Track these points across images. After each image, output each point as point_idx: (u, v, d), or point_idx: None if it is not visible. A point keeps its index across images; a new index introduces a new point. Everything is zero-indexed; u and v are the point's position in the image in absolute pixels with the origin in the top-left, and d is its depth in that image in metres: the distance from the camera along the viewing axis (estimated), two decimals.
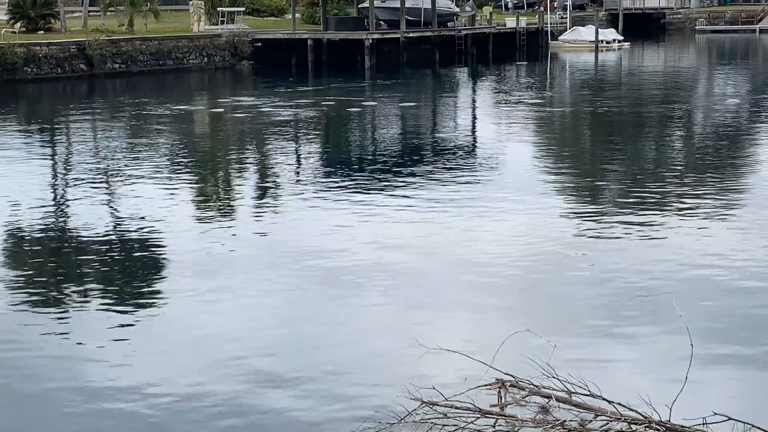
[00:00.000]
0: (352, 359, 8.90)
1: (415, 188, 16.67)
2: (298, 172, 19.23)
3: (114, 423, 7.53)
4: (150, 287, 11.29)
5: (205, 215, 15.19)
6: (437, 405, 6.65)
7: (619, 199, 15.91)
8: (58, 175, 19.52)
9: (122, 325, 9.79)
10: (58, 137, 25.72)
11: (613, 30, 58.73)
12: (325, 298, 10.61)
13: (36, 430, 7.48)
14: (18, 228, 14.19)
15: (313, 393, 8.10)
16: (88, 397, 7.98)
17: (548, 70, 48.08)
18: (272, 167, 20.05)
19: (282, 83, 37.88)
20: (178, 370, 8.53)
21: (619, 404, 6.44)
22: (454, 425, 6.51)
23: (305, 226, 13.92)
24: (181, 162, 20.60)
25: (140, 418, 7.61)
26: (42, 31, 44.59)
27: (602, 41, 55.18)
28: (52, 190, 17.70)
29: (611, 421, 6.37)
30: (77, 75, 40.30)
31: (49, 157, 21.90)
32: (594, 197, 16.33)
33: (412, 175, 18.08)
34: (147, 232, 13.75)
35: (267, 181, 18.48)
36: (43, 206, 15.74)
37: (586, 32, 56.33)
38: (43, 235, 13.88)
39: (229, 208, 15.90)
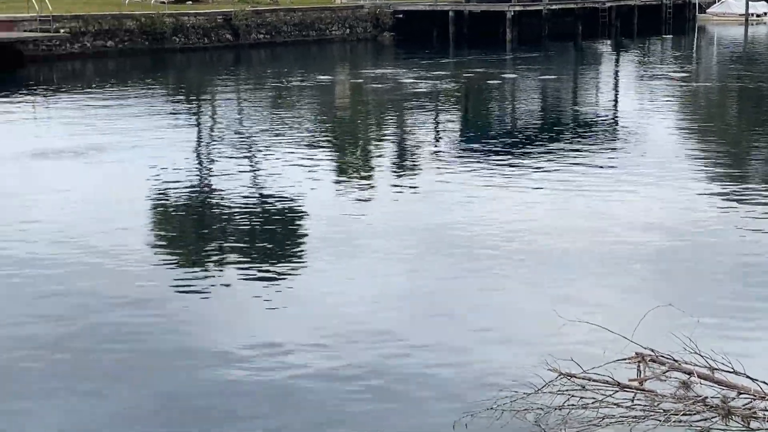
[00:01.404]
0: (489, 329, 8.93)
1: (552, 163, 16.52)
2: (436, 145, 19.30)
3: (249, 389, 7.71)
4: (287, 256, 11.53)
5: (343, 185, 15.42)
6: (575, 377, 6.63)
7: (766, 177, 15.43)
8: (202, 143, 20.10)
9: (260, 293, 10.02)
10: (204, 106, 26.44)
11: (764, 2, 56.64)
12: (462, 270, 10.66)
13: (173, 389, 7.73)
14: (163, 195, 14.68)
15: (451, 362, 8.17)
16: (225, 361, 8.20)
17: (695, 43, 46.72)
18: (410, 139, 20.17)
19: (422, 55, 37.96)
20: (315, 338, 8.69)
21: (764, 382, 6.30)
22: (592, 398, 6.49)
23: (442, 199, 13.98)
24: (321, 132, 20.93)
25: (277, 386, 7.78)
26: (190, 2, 45.82)
27: (752, 14, 53.29)
28: (196, 159, 18.23)
29: (755, 400, 6.24)
30: (223, 45, 41.27)
31: (195, 126, 22.55)
32: (739, 174, 15.88)
33: (550, 149, 17.93)
34: (286, 201, 14.04)
35: (405, 153, 18.60)
36: (187, 174, 16.25)
37: (736, 5, 54.51)
38: (186, 202, 14.32)
39: (367, 179, 16.09)
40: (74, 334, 8.82)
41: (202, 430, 7.04)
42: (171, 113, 23.99)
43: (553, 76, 31.44)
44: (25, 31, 35.78)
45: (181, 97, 27.80)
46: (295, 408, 7.33)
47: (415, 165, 17.12)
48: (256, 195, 14.54)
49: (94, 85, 29.46)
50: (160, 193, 14.68)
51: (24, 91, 28.03)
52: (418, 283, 10.31)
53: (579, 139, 19.19)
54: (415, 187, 15.03)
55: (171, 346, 8.56)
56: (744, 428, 6.09)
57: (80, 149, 18.22)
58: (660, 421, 6.13)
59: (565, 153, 17.37)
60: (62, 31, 36.48)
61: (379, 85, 29.15)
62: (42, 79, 31.86)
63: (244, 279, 10.41)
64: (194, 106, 26.25)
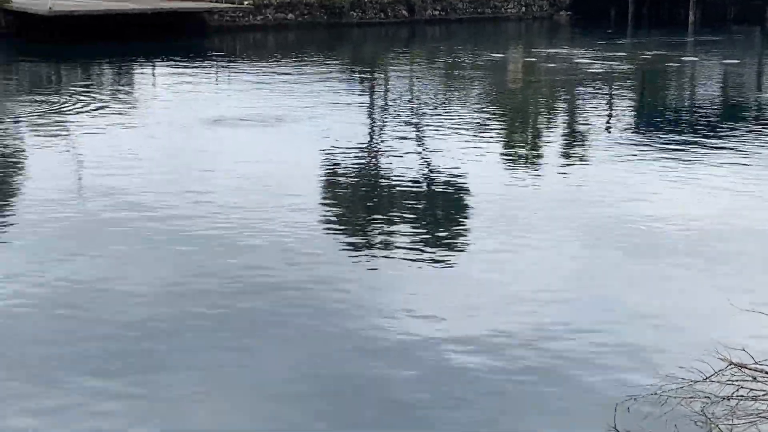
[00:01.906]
0: (657, 316, 8.79)
1: (733, 152, 16.01)
2: (609, 129, 18.96)
3: (405, 362, 7.79)
4: (452, 235, 11.60)
5: (510, 167, 15.36)
6: (746, 368, 6.49)
7: None
8: (374, 118, 20.38)
9: (424, 270, 10.08)
10: (378, 80, 26.77)
11: None
12: (629, 257, 10.50)
13: (332, 369, 7.85)
14: (334, 167, 15.00)
15: (616, 345, 8.09)
16: (382, 331, 8.33)
17: None
18: (582, 123, 19.89)
19: (599, 35, 37.24)
20: (476, 317, 8.72)
21: None
22: (763, 390, 6.34)
23: (613, 186, 13.74)
24: (491, 111, 20.88)
25: (435, 362, 7.85)
26: None
27: None
28: (368, 133, 18.50)
29: None
30: (399, 20, 41.60)
31: (368, 100, 22.87)
32: None
33: (731, 138, 17.36)
34: (453, 180, 14.10)
35: (576, 137, 18.36)
36: (358, 147, 16.54)
37: None
38: (355, 175, 14.57)
39: (536, 162, 15.99)
40: (237, 299, 9.09)
41: (355, 398, 7.19)
42: (346, 86, 24.41)
43: (735, 61, 30.33)
44: (211, 2, 37.07)
45: (357, 71, 28.22)
46: (452, 384, 7.40)
47: (585, 150, 16.89)
48: (424, 172, 14.67)
49: (274, 57, 30.25)
50: (331, 165, 15.00)
51: (207, 60, 29.04)
52: (583, 268, 10.22)
53: (763, 129, 18.50)
54: (584, 173, 14.83)
55: (330, 315, 8.74)
56: None
57: (259, 118, 18.78)
58: None
59: (747, 143, 16.78)
60: (246, 3, 37.58)
61: (553, 65, 28.81)
62: (225, 49, 32.91)
63: (407, 256, 10.51)
64: (368, 80, 26.61)
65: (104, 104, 20.44)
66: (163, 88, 23.48)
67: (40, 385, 7.17)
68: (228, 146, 16.25)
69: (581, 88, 24.19)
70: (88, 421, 6.64)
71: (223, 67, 27.77)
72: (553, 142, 17.70)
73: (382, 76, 27.59)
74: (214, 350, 7.79)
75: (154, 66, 27.70)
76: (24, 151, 16.07)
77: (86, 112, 19.37)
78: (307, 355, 7.80)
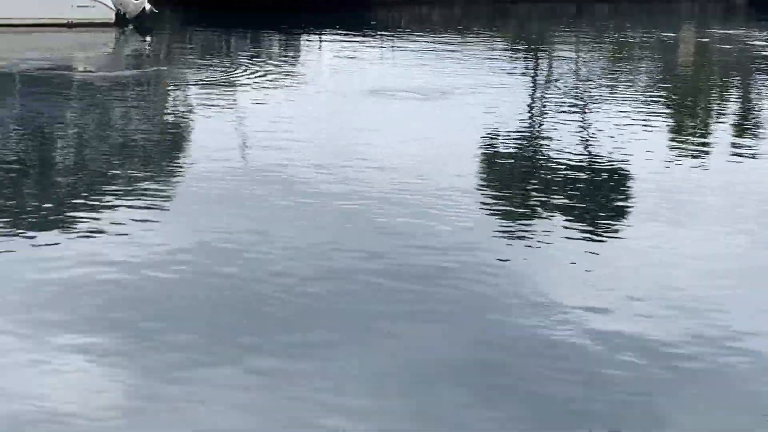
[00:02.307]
0: None
1: None
2: None
3: (556, 347, 7.62)
4: (612, 216, 11.29)
5: (677, 149, 14.87)
6: None
7: None
8: (537, 94, 20.08)
9: (583, 261, 9.79)
10: (542, 57, 26.38)
11: None
12: None
13: (482, 356, 7.72)
14: (494, 142, 14.85)
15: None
16: (535, 316, 8.17)
17: None
18: (756, 107, 19.07)
19: None
20: (632, 304, 8.45)
21: None
22: None
23: None
24: (659, 91, 20.27)
25: (595, 362, 7.63)
26: None
27: None
28: (530, 109, 18.26)
29: None
30: None
31: (532, 76, 22.57)
32: None
33: None
34: (616, 160, 13.74)
35: (748, 122, 17.62)
36: (519, 123, 16.33)
37: None
38: (515, 152, 14.38)
39: (704, 144, 15.42)
40: (387, 279, 9.04)
41: (503, 390, 7.06)
42: (510, 62, 24.17)
43: None
44: None
45: (521, 47, 27.89)
46: (610, 382, 7.17)
47: (758, 138, 16.18)
48: (586, 154, 14.35)
49: (439, 31, 30.20)
50: (491, 143, 14.87)
51: (371, 32, 29.24)
52: (753, 258, 9.78)
53: None
54: (755, 162, 14.20)
55: (483, 300, 8.60)
56: None
57: (421, 91, 18.78)
58: None
59: None
60: None
61: (726, 46, 27.74)
62: (389, 22, 33.06)
63: (565, 243, 10.24)
64: (533, 56, 26.26)
65: (270, 72, 20.85)
66: (328, 58, 23.78)
67: (197, 348, 7.32)
68: (389, 119, 16.31)
69: (757, 72, 23.20)
70: (236, 390, 6.75)
71: (387, 39, 27.91)
72: (723, 128, 17.03)
73: (548, 53, 27.15)
74: (364, 331, 7.78)
75: (320, 37, 28.08)
76: (193, 115, 16.55)
77: (253, 79, 19.81)
78: (457, 342, 7.70)
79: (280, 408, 6.37)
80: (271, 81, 19.75)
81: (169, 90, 19.20)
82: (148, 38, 28.07)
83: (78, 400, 6.30)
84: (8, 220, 10.13)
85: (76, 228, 9.86)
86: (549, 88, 20.65)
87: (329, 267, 9.04)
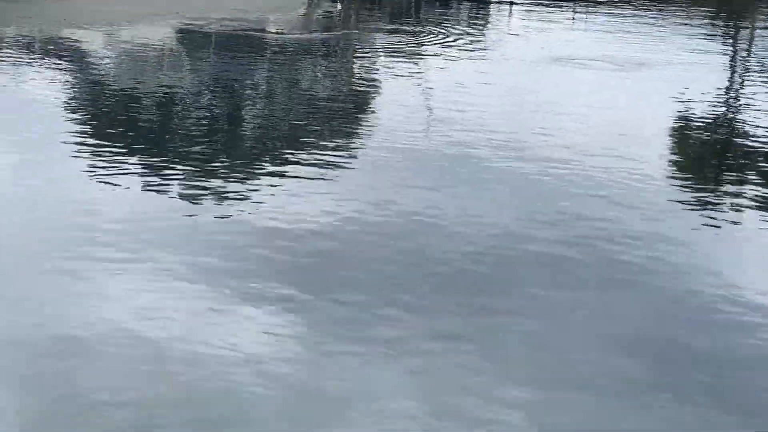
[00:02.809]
0: None
1: None
2: None
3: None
4: None
5: None
6: None
7: None
8: (736, 71, 19.17)
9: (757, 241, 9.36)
10: (743, 31, 25.17)
11: None
12: None
13: (664, 334, 7.45)
14: (684, 119, 14.27)
15: None
16: (730, 317, 7.79)
17: None
18: None
19: None
20: None
21: None
22: None
23: None
24: None
25: None
26: None
27: None
28: (728, 88, 17.45)
29: None
30: None
31: (731, 52, 21.56)
32: None
33: None
34: None
35: None
36: (711, 102, 15.61)
37: None
38: (706, 132, 13.78)
39: None
40: (567, 247, 8.83)
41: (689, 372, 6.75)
42: (710, 36, 23.15)
43: None
44: None
45: (723, 20, 26.67)
46: None
47: None
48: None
49: (635, 0, 29.27)
50: (684, 117, 14.28)
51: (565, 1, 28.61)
52: None
53: None
54: None
55: (668, 275, 8.29)
56: None
57: (613, 61, 18.24)
58: None
59: None
60: None
61: None
62: None
63: (755, 222, 9.77)
64: (734, 30, 25.07)
65: (458, 39, 20.70)
66: (517, 24, 23.42)
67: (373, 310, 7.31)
68: (577, 87, 15.92)
69: None
70: (406, 355, 6.69)
71: (581, 6, 27.24)
72: None
73: (750, 28, 25.86)
74: (550, 298, 7.59)
75: (511, 3, 27.67)
76: (379, 80, 16.61)
77: (440, 45, 19.71)
78: (646, 316, 7.42)
79: (451, 377, 6.25)
80: (458, 47, 19.60)
81: (357, 54, 19.34)
82: (339, 2, 28.38)
83: (251, 349, 6.38)
84: (196, 171, 10.40)
85: (258, 183, 10.03)
86: (750, 65, 19.64)
87: (508, 236, 8.85)
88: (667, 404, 6.03)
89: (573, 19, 25.20)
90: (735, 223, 9.59)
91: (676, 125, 13.79)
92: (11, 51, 17.13)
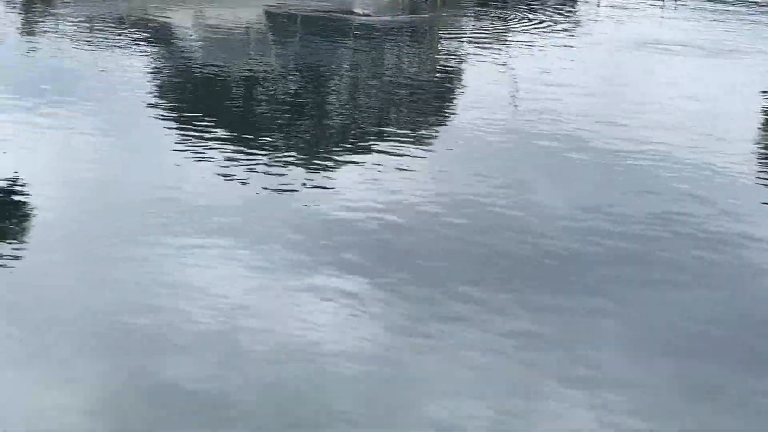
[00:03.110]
0: None
1: None
2: None
3: None
4: None
5: None
6: None
7: None
8: None
9: None
10: None
11: None
12: None
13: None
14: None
15: None
16: None
17: None
18: None
19: None
20: None
21: None
22: None
23: None
24: None
25: None
26: None
27: None
28: None
29: None
30: None
31: None
32: None
33: None
34: None
35: None
36: None
37: None
38: None
39: None
40: (649, 241, 8.68)
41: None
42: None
43: None
44: None
45: None
46: None
47: None
48: None
49: None
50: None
51: None
52: None
53: None
54: None
55: (752, 272, 8.11)
56: None
57: (703, 46, 17.87)
58: None
59: None
60: None
61: None
62: None
63: None
64: None
65: (545, 22, 20.48)
66: (607, 9, 23.06)
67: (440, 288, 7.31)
68: (665, 75, 15.61)
69: None
70: (475, 351, 6.68)
71: None
72: None
73: None
74: (620, 297, 7.48)
75: None
76: (465, 64, 16.52)
77: (530, 29, 19.54)
78: (725, 312, 7.27)
79: (520, 375, 6.22)
80: (545, 32, 19.39)
81: (443, 37, 19.27)
82: None
83: (325, 339, 6.44)
84: (278, 155, 10.50)
85: (337, 170, 10.10)
86: None
87: (588, 228, 8.75)
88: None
89: (663, 5, 24.71)
90: None
91: (763, 114, 13.46)
92: (101, 32, 17.47)
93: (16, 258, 7.48)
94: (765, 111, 13.66)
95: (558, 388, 5.99)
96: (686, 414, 5.84)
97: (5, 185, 9.18)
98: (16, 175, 9.45)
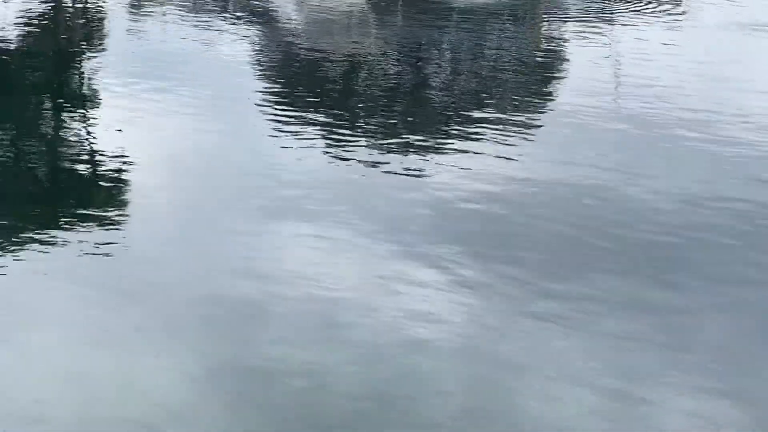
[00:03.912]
0: None
1: None
2: None
3: None
4: None
5: None
6: None
7: None
8: None
9: None
10: None
11: None
12: None
13: None
14: None
15: None
16: None
17: None
18: None
19: None
20: None
21: None
22: None
23: None
24: None
25: None
26: None
27: None
28: None
29: None
30: None
31: None
32: None
33: None
34: None
35: None
36: None
37: None
38: None
39: None
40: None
41: None
42: None
43: None
44: None
45: None
46: None
47: None
48: None
49: None
50: None
51: None
52: None
53: None
54: None
55: None
56: None
57: None
58: None
59: None
60: None
61: None
62: None
63: None
64: None
65: (650, 4, 20.12)
66: None
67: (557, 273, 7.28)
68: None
69: None
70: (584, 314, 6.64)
71: None
72: None
73: None
74: (716, 295, 7.31)
75: None
76: (566, 47, 16.35)
77: (632, 10, 19.22)
78: None
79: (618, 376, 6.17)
80: (649, 14, 19.04)
81: (544, 20, 19.08)
82: None
83: (421, 330, 6.49)
84: (378, 137, 10.57)
85: (437, 152, 10.13)
86: None
87: (686, 220, 8.59)
88: None
89: None
90: None
91: None
92: (205, 14, 17.79)
93: (123, 238, 7.71)
94: None
95: (652, 392, 5.88)
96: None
97: (113, 166, 9.45)
98: (126, 154, 9.71)
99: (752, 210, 8.72)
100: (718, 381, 5.89)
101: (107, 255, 7.28)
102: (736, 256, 7.80)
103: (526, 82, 13.73)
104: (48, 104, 12.32)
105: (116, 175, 9.17)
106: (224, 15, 17.75)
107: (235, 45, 15.17)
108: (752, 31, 17.19)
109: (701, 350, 6.28)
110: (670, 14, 19.03)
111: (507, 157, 9.91)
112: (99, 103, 11.77)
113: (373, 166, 9.54)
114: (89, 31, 16.61)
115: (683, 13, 19.51)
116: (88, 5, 18.17)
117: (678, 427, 5.48)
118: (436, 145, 10.39)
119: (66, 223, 7.96)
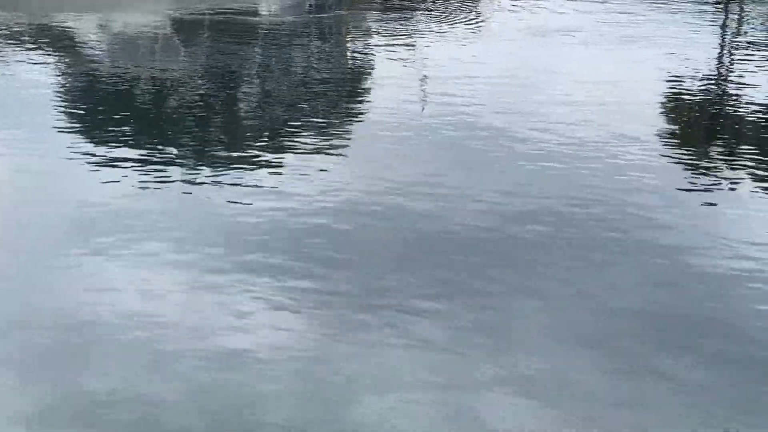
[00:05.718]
0: None
1: None
2: None
3: None
4: None
5: None
6: None
7: None
8: (725, 45, 19.17)
9: None
10: (733, 8, 25.09)
11: None
12: None
13: None
14: (674, 91, 14.30)
15: None
16: None
17: None
18: None
19: None
20: None
21: None
22: None
23: None
24: None
25: None
26: None
27: None
28: (717, 60, 17.45)
29: None
30: None
31: (720, 26, 21.54)
32: None
33: None
34: None
35: None
36: (706, 73, 15.60)
37: None
38: (699, 103, 13.81)
39: None
40: (553, 222, 8.88)
41: None
42: (700, 13, 23.12)
43: None
44: None
45: None
46: None
47: None
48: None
49: None
50: (674, 89, 14.32)
51: None
52: None
53: None
54: None
55: (669, 244, 8.35)
56: None
57: (604, 35, 18.28)
58: None
59: None
60: None
61: None
62: None
63: (754, 188, 9.82)
64: (724, 8, 25.02)
65: (451, 16, 20.69)
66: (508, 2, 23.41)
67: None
68: (564, 63, 15.95)
69: None
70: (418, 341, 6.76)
71: None
72: None
73: (739, 4, 25.85)
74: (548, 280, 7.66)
75: None
76: (374, 61, 16.60)
77: (434, 23, 19.72)
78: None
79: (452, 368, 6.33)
80: (450, 24, 19.62)
81: (350, 36, 19.34)
82: None
83: (256, 342, 6.46)
84: (192, 159, 10.47)
85: (253, 169, 10.13)
86: (739, 40, 19.64)
87: (503, 214, 8.92)
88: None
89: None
90: (733, 198, 9.63)
91: (665, 97, 13.84)
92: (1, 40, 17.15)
93: None
94: (661, 93, 14.01)
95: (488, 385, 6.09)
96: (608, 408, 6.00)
97: None
98: None
99: (549, 204, 9.11)
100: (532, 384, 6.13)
101: None
102: (540, 253, 8.14)
103: (333, 96, 13.88)
104: None
105: None
106: (21, 44, 17.16)
107: (36, 75, 14.67)
108: (542, 38, 17.99)
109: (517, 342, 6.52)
110: (468, 26, 19.67)
111: (319, 173, 9.98)
112: None
113: (191, 187, 9.46)
114: None
115: (481, 22, 20.22)
116: None
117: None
118: (249, 167, 10.35)
119: None
